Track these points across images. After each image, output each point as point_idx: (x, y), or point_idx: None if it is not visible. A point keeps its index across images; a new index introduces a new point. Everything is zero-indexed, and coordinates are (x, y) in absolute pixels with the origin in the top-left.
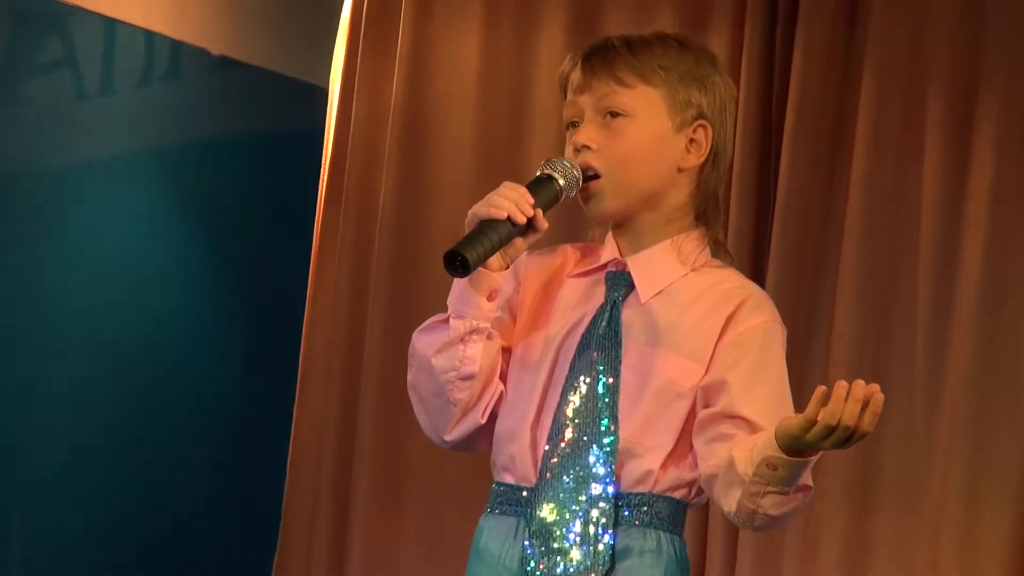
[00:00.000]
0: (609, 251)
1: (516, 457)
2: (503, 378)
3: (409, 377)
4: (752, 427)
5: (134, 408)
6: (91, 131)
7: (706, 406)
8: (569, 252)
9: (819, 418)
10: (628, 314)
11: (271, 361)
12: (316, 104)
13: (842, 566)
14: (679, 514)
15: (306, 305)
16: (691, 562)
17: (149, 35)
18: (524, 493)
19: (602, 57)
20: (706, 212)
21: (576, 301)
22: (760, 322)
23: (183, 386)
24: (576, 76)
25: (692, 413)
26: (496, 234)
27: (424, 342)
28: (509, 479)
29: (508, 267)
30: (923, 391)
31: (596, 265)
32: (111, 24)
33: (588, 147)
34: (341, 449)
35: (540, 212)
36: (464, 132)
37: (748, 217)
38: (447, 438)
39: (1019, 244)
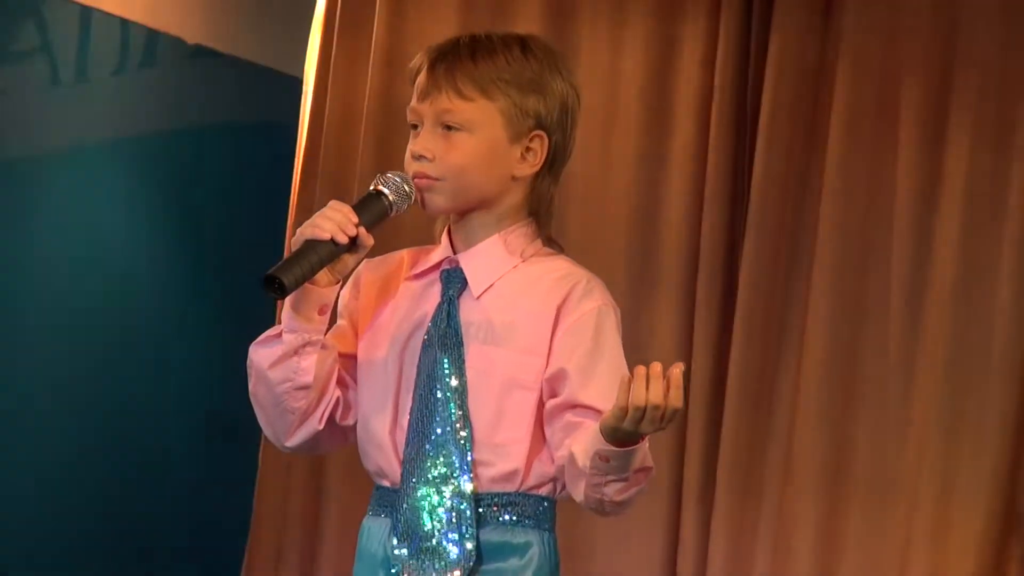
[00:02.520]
0: (442, 250)
1: (382, 463)
2: (342, 384)
3: (249, 386)
4: (595, 413)
5: (106, 401)
6: (66, 120)
7: (552, 396)
8: (406, 256)
9: (628, 403)
10: (465, 311)
11: (245, 349)
12: (291, 94)
13: (814, 558)
14: (548, 511)
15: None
16: (665, 555)
17: (125, 23)
18: (395, 495)
19: (447, 65)
20: (538, 212)
21: (414, 302)
22: (592, 308)
23: (155, 378)
24: (421, 80)
25: (541, 405)
26: (316, 254)
27: (260, 355)
28: (384, 483)
29: (338, 282)
30: (896, 383)
31: (430, 265)
32: (87, 12)
33: (424, 157)
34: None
35: (363, 230)
36: None
37: (722, 207)
38: (287, 444)
39: (993, 234)
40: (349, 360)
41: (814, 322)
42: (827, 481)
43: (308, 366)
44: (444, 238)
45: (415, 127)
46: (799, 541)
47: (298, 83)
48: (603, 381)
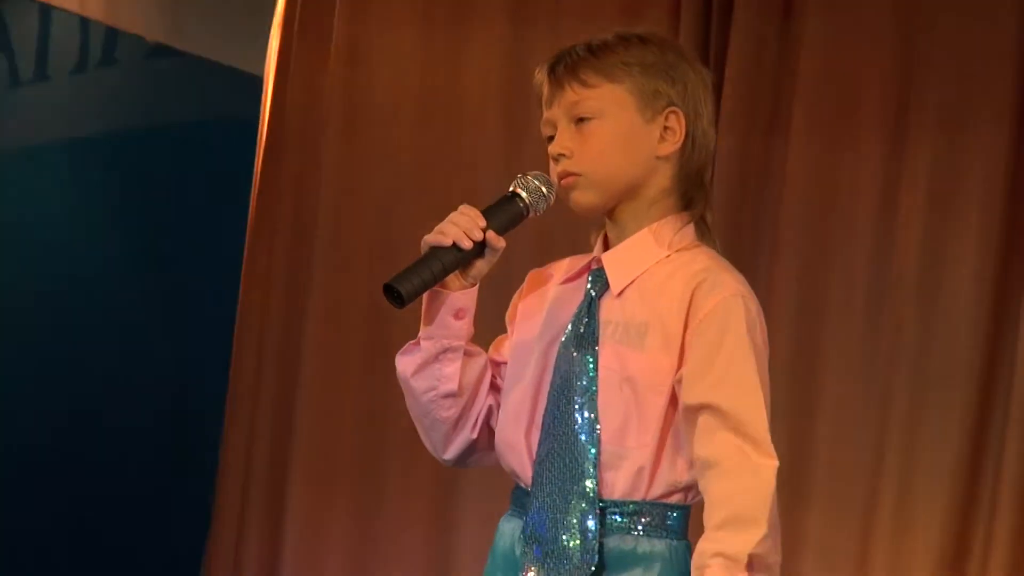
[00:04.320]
0: (595, 251)
1: (515, 466)
2: (497, 391)
3: (406, 402)
4: (711, 409)
5: (65, 395)
6: (25, 117)
7: (686, 382)
8: (566, 263)
9: None
10: (605, 310)
11: (206, 348)
12: (251, 92)
13: None
14: (679, 519)
15: (239, 294)
16: None
17: (84, 21)
18: (528, 496)
19: (565, 65)
20: (689, 193)
21: (562, 305)
22: (718, 301)
23: (111, 377)
24: (545, 90)
25: (672, 408)
26: (439, 261)
27: (403, 364)
28: (520, 483)
29: (473, 285)
30: (858, 381)
31: (581, 267)
32: (46, 10)
33: (563, 155)
34: (275, 431)
35: (492, 233)
36: (402, 122)
37: None
38: (445, 456)
39: (954, 231)
40: (504, 367)
41: (773, 319)
42: (785, 483)
43: (451, 373)
44: (599, 241)
45: (551, 138)
46: None
47: (258, 81)
48: (718, 374)
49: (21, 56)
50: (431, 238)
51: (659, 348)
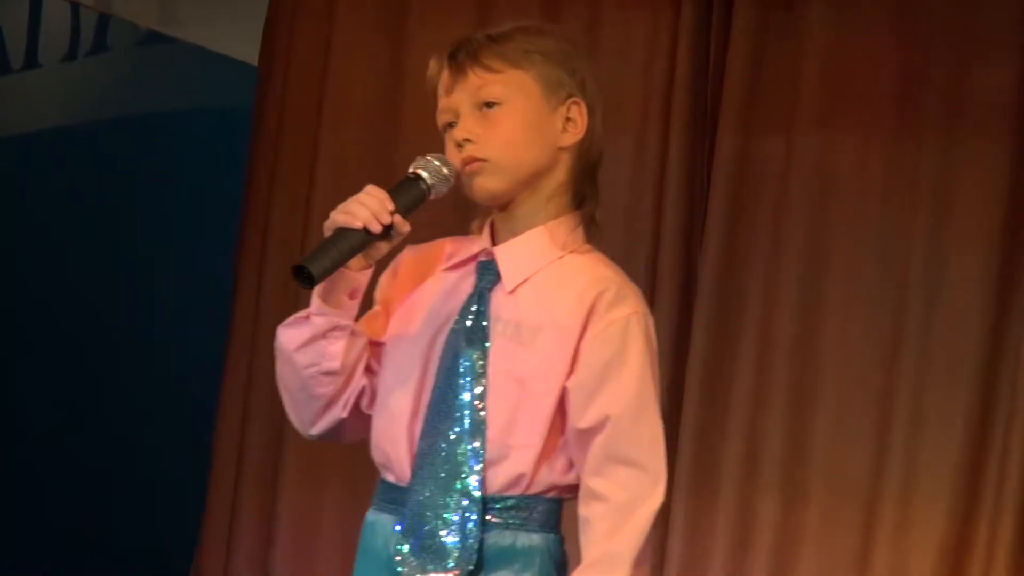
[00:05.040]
0: (482, 241)
1: (392, 457)
2: (370, 372)
3: (276, 369)
4: (604, 435)
5: (57, 390)
6: (15, 105)
7: (572, 407)
8: (447, 245)
9: None
10: (496, 306)
11: (199, 342)
12: (245, 81)
13: (773, 556)
14: (554, 513)
15: (233, 288)
16: None
17: (75, 8)
18: (401, 491)
19: (467, 51)
20: (583, 190)
21: (446, 294)
22: (621, 317)
23: (106, 367)
24: (445, 77)
25: (560, 411)
26: (347, 243)
27: (287, 336)
28: (389, 477)
29: (371, 266)
30: (856, 379)
31: (467, 256)
32: None
33: (469, 140)
34: (268, 425)
35: (399, 217)
36: (402, 112)
37: (681, 199)
38: (311, 431)
39: (963, 230)
40: (378, 348)
41: (776, 316)
42: (786, 480)
43: (336, 351)
44: (486, 229)
45: (451, 125)
46: (758, 539)
47: (252, 70)
48: (614, 397)
49: (12, 43)
50: (340, 219)
51: (552, 350)
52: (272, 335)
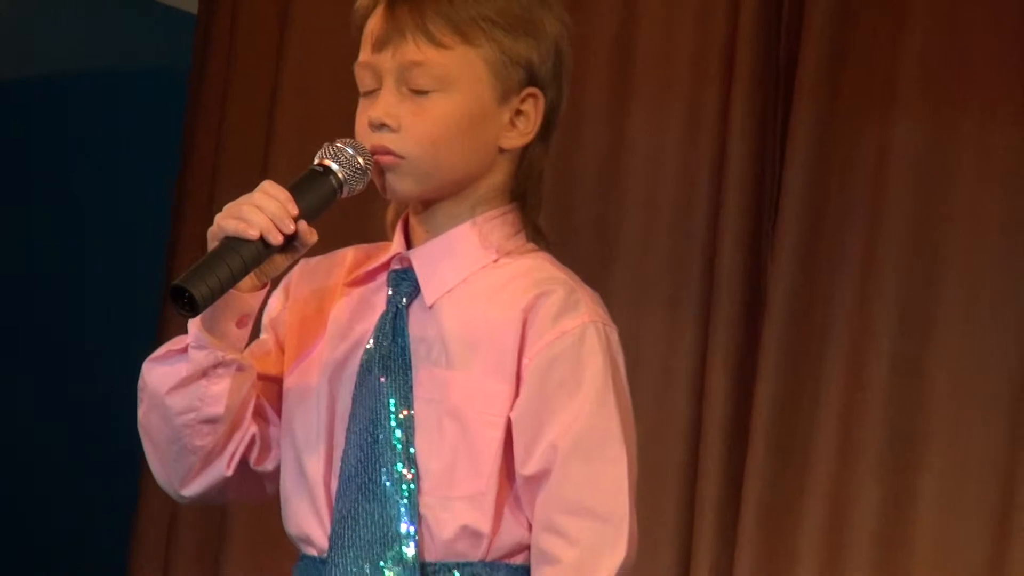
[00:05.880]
0: (395, 245)
1: (305, 528)
2: (260, 417)
3: (139, 414)
4: (555, 482)
5: None
6: None
7: (517, 445)
8: (351, 255)
9: None
10: (416, 324)
11: (129, 327)
12: (183, 33)
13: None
14: None
15: (164, 268)
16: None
17: None
18: (322, 566)
19: (411, 4)
20: (525, 194)
21: (354, 314)
22: (571, 328)
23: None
24: (376, 25)
25: (508, 446)
26: (239, 258)
27: (157, 376)
28: (310, 550)
29: (265, 286)
30: (973, 431)
31: (377, 264)
32: None
33: (387, 125)
34: None
35: (304, 224)
36: None
37: (744, 188)
38: (184, 492)
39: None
40: (271, 385)
41: (869, 347)
42: (881, 558)
43: (219, 393)
44: (398, 230)
45: (371, 91)
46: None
47: (190, 19)
48: (566, 432)
49: None
50: (231, 226)
51: (490, 371)
52: None
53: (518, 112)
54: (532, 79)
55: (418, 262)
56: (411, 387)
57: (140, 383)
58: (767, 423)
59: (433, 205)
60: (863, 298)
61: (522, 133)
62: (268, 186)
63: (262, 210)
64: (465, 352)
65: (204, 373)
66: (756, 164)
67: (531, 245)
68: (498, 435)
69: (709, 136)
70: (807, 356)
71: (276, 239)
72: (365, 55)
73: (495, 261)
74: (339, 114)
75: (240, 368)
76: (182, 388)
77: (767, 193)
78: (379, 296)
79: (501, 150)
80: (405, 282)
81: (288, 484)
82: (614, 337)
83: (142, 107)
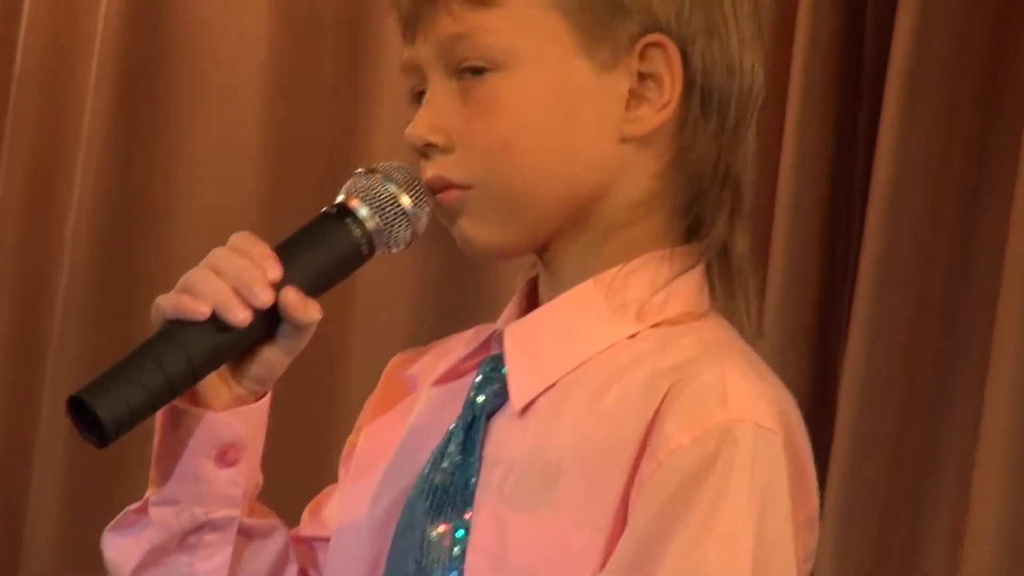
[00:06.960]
0: (504, 315)
1: None
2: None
3: None
4: None
5: None
6: None
7: None
8: (452, 343)
9: None
10: (498, 439)
11: None
12: None
13: None
14: None
15: None
16: None
17: None
18: None
19: None
20: (697, 207)
21: (429, 422)
22: (702, 433)
23: None
24: (400, 3)
25: None
26: (182, 353)
27: (117, 550)
28: None
29: (260, 396)
30: None
31: (475, 347)
32: None
33: (433, 144)
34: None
35: (294, 294)
36: (243, 47)
37: (807, 214)
38: None
39: None
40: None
41: (989, 395)
42: None
43: (212, 570)
44: (519, 293)
45: (421, 95)
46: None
47: None
48: (685, 567)
49: None
50: (168, 304)
51: (573, 512)
52: None
53: (641, 77)
54: (651, 21)
55: (511, 344)
56: (467, 532)
57: (108, 564)
58: (853, 447)
59: (551, 248)
60: (991, 305)
61: (655, 107)
62: (237, 239)
63: (221, 276)
64: (547, 481)
65: (181, 542)
66: (830, 164)
67: (701, 305)
68: None
69: (761, 129)
70: (916, 365)
71: (236, 316)
72: (405, 53)
73: (631, 337)
74: (208, 99)
75: (247, 533)
76: (152, 568)
77: (843, 202)
78: (458, 400)
79: (625, 141)
80: (494, 376)
81: None
82: (778, 449)
83: None
